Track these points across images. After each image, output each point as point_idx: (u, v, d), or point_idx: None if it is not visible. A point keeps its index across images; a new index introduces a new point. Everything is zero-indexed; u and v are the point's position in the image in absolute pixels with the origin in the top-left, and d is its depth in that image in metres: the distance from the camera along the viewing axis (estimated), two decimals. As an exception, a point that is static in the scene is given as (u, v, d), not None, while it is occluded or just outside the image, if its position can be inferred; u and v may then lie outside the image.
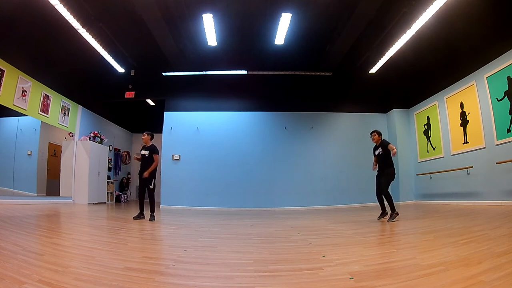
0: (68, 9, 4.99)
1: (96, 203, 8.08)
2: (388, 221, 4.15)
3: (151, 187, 4.89)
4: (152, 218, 4.71)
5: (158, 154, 4.95)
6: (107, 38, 6.41)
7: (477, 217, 4.04)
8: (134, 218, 4.76)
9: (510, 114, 5.13)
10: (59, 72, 7.18)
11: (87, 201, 7.71)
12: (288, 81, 8.52)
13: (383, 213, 4.49)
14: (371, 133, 4.75)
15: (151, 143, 5.01)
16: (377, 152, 4.65)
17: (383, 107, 8.83)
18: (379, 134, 4.68)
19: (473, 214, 4.39)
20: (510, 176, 5.05)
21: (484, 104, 5.74)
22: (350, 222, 4.51)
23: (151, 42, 6.52)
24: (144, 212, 4.86)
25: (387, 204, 4.40)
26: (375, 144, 4.74)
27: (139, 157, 5.01)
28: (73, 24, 5.38)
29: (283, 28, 5.96)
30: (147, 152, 4.90)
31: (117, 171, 10.57)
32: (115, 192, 10.06)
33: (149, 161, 4.85)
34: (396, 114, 8.49)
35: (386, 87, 8.54)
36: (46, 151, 7.48)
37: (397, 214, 4.26)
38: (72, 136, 8.08)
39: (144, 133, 5.05)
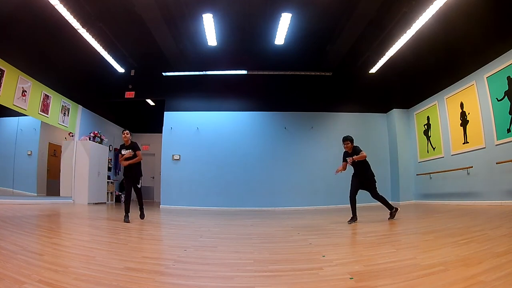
0: (68, 9, 4.99)
1: (96, 203, 8.08)
2: (389, 219, 4.27)
3: (139, 186, 4.80)
4: (144, 216, 4.79)
5: (140, 150, 4.74)
6: (107, 38, 6.41)
7: (477, 217, 4.03)
8: (126, 221, 4.37)
9: (510, 114, 5.13)
10: (59, 72, 7.18)
11: (87, 201, 7.71)
12: (288, 81, 8.51)
13: (354, 217, 4.34)
14: (344, 141, 4.53)
15: (130, 141, 4.74)
16: (349, 161, 4.50)
17: (383, 107, 8.82)
18: (351, 141, 4.50)
19: (473, 214, 4.39)
20: (510, 176, 5.04)
21: (484, 104, 5.74)
22: (350, 222, 4.50)
23: (151, 42, 6.52)
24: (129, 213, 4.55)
25: (383, 204, 4.42)
26: (345, 151, 4.56)
27: (127, 155, 4.67)
28: (73, 24, 5.38)
29: (283, 28, 5.96)
30: (129, 151, 4.64)
31: (117, 171, 10.56)
32: (115, 192, 10.07)
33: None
34: (396, 114, 8.49)
35: (386, 87, 8.53)
36: (46, 151, 7.48)
37: (397, 209, 4.38)
38: (72, 136, 8.08)
39: (125, 132, 4.73)
